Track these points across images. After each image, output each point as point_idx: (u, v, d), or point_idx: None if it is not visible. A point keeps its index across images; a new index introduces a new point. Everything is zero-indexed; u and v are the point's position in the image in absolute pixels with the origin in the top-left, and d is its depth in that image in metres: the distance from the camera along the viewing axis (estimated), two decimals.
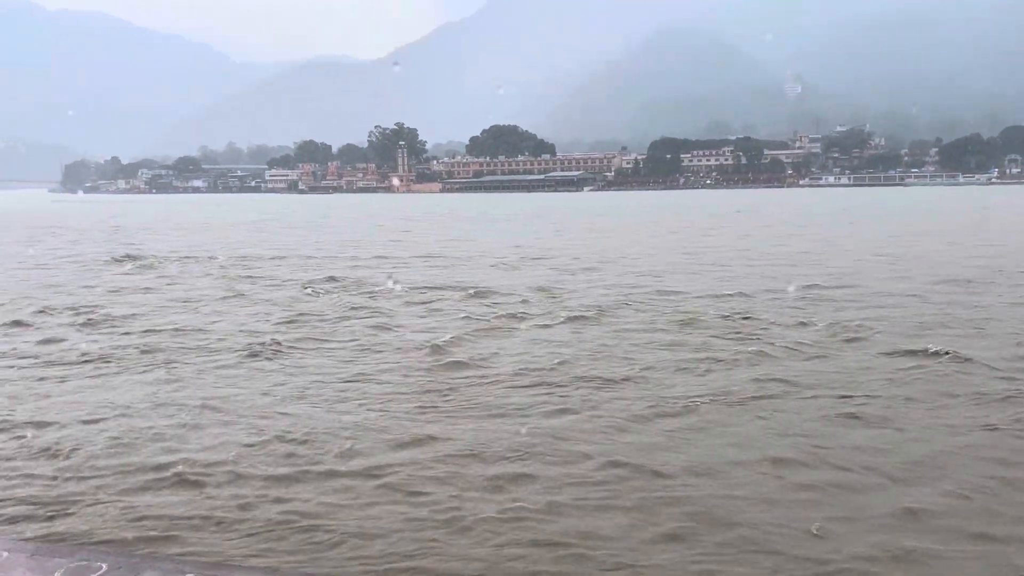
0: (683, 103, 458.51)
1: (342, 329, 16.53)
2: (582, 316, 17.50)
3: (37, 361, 13.70)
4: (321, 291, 22.34)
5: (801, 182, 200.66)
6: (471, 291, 21.42)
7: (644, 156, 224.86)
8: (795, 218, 63.81)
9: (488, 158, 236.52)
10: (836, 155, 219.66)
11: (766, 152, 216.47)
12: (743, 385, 11.61)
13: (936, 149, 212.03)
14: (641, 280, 23.94)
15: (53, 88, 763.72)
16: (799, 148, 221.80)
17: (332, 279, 24.92)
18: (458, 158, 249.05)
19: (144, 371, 12.92)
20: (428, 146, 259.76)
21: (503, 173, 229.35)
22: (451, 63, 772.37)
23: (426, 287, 22.67)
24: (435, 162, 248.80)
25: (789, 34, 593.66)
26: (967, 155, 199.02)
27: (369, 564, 6.46)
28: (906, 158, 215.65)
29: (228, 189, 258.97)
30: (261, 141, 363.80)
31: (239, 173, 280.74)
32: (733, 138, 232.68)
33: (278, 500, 7.74)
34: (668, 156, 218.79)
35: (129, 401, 11.12)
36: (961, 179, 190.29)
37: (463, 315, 17.94)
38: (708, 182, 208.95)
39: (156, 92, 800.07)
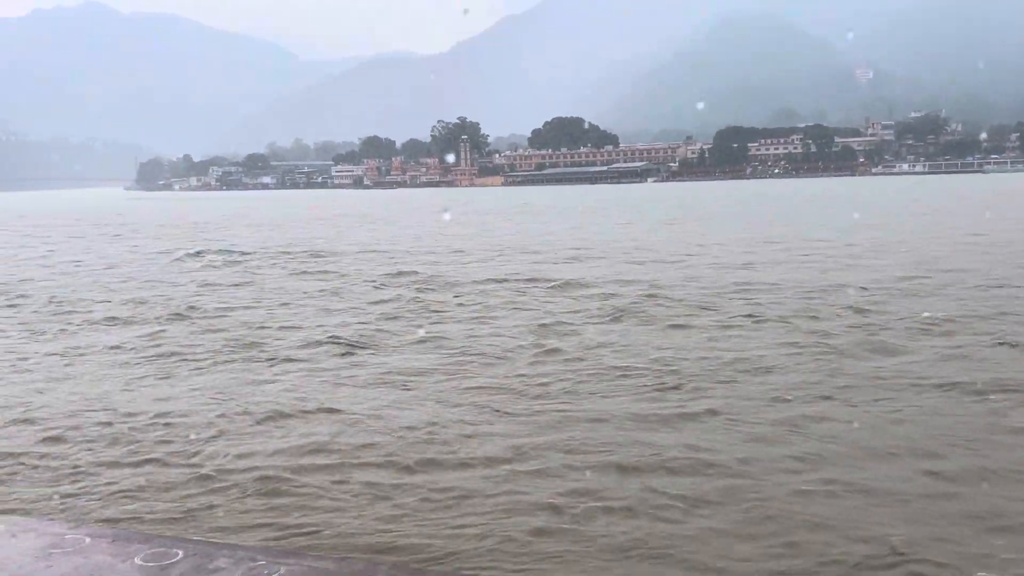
0: (750, 91, 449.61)
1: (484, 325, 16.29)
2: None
3: (135, 355, 14.11)
4: (428, 288, 22.21)
5: (874, 170, 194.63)
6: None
7: (710, 145, 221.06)
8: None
9: (550, 150, 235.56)
10: (910, 142, 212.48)
11: (837, 140, 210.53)
12: None
13: (1017, 134, 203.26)
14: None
15: (127, 88, 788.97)
16: (871, 135, 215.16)
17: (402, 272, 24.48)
18: (520, 151, 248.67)
19: (243, 365, 13.14)
20: (490, 139, 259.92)
21: (565, 165, 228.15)
22: (513, 55, 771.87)
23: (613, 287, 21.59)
24: (497, 155, 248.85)
25: (860, 18, 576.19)
26: None
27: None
28: (985, 144, 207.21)
29: (295, 185, 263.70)
30: (327, 137, 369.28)
31: (306, 169, 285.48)
32: (802, 126, 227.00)
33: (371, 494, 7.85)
34: (735, 145, 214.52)
35: (227, 395, 11.40)
36: None
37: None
38: (776, 171, 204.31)
39: (225, 90, 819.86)
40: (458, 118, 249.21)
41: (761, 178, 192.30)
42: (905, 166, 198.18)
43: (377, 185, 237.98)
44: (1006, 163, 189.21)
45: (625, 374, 11.93)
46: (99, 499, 7.90)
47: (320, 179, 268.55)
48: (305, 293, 21.53)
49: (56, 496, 7.95)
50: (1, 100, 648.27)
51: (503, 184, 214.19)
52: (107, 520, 7.25)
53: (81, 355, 14.17)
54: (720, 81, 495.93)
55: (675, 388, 11.22)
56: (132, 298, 20.99)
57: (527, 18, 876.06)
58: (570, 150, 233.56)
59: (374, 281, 23.69)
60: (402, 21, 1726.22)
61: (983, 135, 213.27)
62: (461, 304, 19.12)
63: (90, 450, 9.23)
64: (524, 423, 9.82)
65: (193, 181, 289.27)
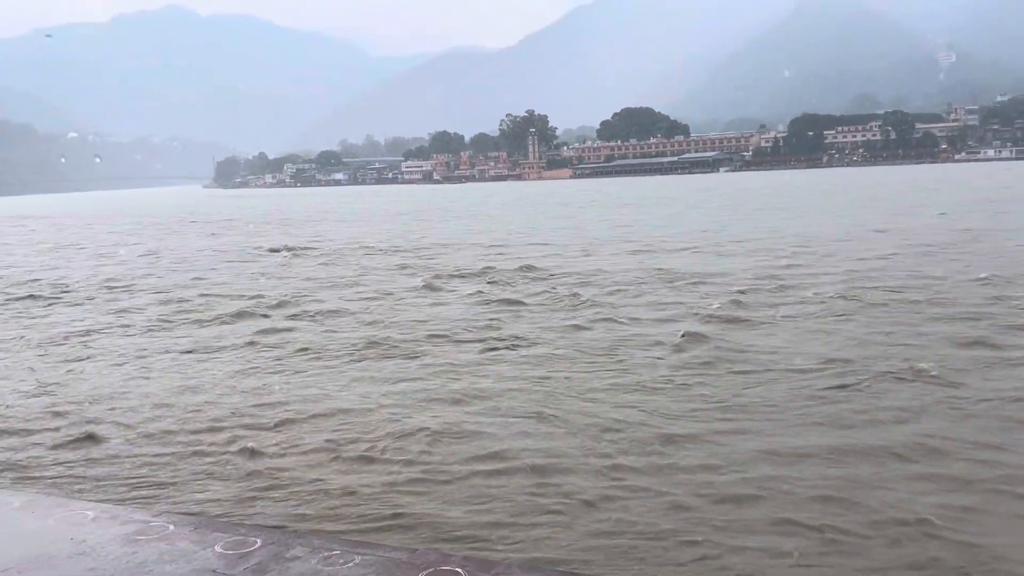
0: (827, 78, 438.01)
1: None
2: None
3: (249, 350, 14.20)
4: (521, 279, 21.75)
5: (956, 156, 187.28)
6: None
7: (784, 134, 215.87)
8: None
9: (619, 141, 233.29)
10: (996, 127, 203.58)
11: (918, 126, 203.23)
12: None
13: None
14: None
15: (205, 88, 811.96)
16: (954, 120, 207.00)
17: (529, 267, 24.13)
18: (588, 143, 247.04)
19: (376, 362, 13.12)
20: (559, 132, 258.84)
21: (634, 156, 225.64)
22: (583, 47, 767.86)
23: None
24: (565, 148, 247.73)
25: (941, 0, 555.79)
26: None
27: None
28: None
29: (366, 181, 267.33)
30: (397, 133, 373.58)
31: (376, 165, 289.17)
32: (881, 112, 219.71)
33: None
34: (811, 133, 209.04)
35: (362, 391, 11.41)
36: None
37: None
38: (855, 159, 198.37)
39: (299, 88, 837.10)
40: (526, 111, 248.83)
41: (838, 166, 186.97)
42: (991, 152, 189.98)
43: (446, 180, 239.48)
44: None
45: None
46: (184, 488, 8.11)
47: (390, 175, 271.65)
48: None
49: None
50: (88, 103, 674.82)
51: (571, 177, 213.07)
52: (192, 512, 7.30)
53: (213, 352, 14.29)
54: (794, 69, 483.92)
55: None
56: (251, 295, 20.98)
57: (595, 9, 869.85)
58: (639, 141, 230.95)
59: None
60: (471, 15, 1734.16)
61: None
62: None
63: (188, 444, 9.38)
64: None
65: (268, 178, 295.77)
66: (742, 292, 18.29)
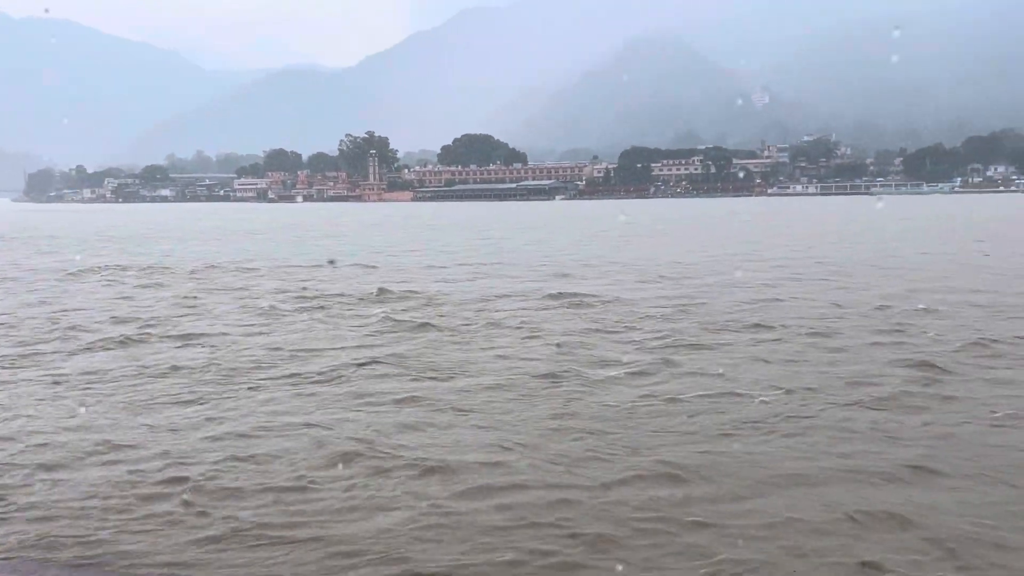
0: (654, 113, 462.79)
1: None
2: None
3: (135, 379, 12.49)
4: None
5: (769, 191, 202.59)
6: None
7: (615, 165, 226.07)
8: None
9: (460, 167, 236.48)
10: (803, 164, 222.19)
11: (735, 161, 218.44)
12: None
13: (900, 159, 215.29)
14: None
15: (17, 96, 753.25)
16: (767, 157, 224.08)
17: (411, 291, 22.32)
18: (429, 167, 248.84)
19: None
20: (399, 155, 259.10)
21: (475, 182, 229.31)
22: (422, 72, 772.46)
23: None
24: (406, 171, 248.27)
25: (758, 45, 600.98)
26: (931, 164, 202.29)
27: None
28: (871, 167, 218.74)
29: (196, 198, 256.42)
30: (230, 150, 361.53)
31: (207, 182, 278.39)
32: (703, 147, 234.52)
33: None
34: (639, 165, 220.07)
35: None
36: (925, 188, 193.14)
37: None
38: (678, 191, 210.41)
39: (124, 100, 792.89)
40: (366, 132, 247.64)
41: (664, 197, 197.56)
42: (799, 187, 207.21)
43: (282, 199, 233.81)
44: (891, 185, 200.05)
45: None
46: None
47: (222, 192, 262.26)
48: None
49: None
50: None
51: (412, 199, 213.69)
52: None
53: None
54: (626, 103, 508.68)
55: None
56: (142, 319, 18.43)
57: (436, 36, 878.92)
58: (480, 167, 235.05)
59: None
60: (310, 35, 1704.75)
61: (870, 159, 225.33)
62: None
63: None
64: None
65: (87, 193, 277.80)
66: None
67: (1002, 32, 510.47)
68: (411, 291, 22.19)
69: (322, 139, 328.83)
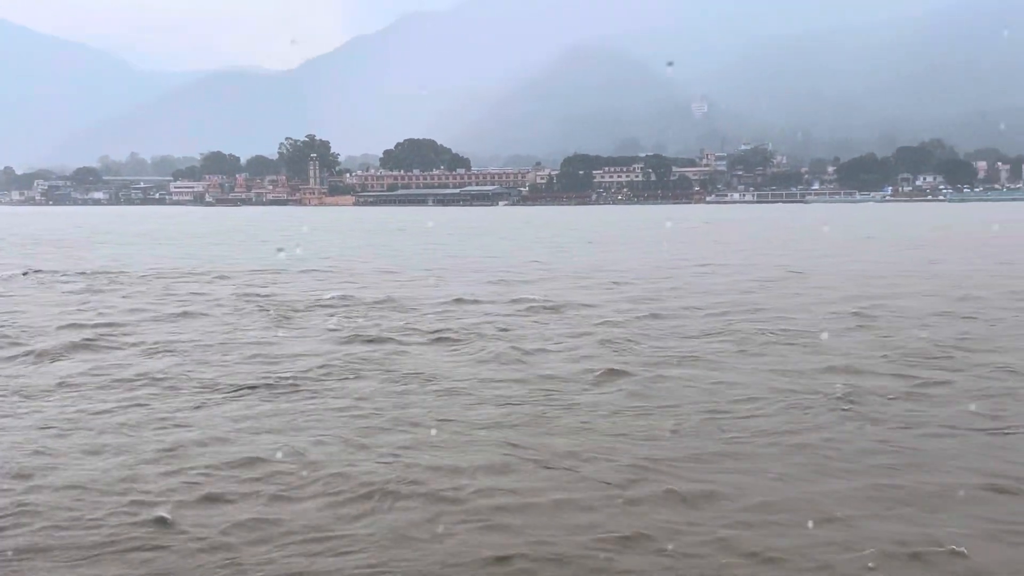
0: (596, 120, 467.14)
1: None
2: None
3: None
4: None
5: (708, 199, 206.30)
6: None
7: (558, 172, 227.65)
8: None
9: (403, 171, 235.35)
10: (740, 172, 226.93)
11: (674, 169, 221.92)
12: None
13: (834, 168, 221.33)
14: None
15: None
16: (706, 166, 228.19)
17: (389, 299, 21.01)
18: (372, 171, 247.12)
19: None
20: (341, 158, 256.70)
21: (418, 187, 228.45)
22: (364, 76, 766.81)
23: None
24: (348, 175, 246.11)
25: (697, 55, 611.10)
26: (863, 173, 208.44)
27: None
28: (806, 176, 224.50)
29: (130, 201, 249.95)
30: (166, 152, 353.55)
31: (142, 185, 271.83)
32: (643, 155, 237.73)
33: None
34: (581, 172, 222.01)
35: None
36: (858, 196, 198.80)
37: None
38: (619, 198, 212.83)
39: (54, 101, 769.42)
40: (307, 135, 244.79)
41: (606, 204, 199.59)
42: (736, 195, 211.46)
43: (220, 202, 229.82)
44: (825, 194, 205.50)
45: None
46: None
47: (158, 195, 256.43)
48: None
49: None
50: None
51: (354, 204, 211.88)
52: None
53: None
54: (568, 110, 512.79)
55: None
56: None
57: (376, 40, 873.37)
58: (423, 172, 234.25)
59: None
60: (248, 36, 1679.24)
61: (805, 168, 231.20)
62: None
63: None
64: None
65: (15, 195, 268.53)
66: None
67: (930, 46, 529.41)
68: (384, 298, 21.40)
69: (261, 142, 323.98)
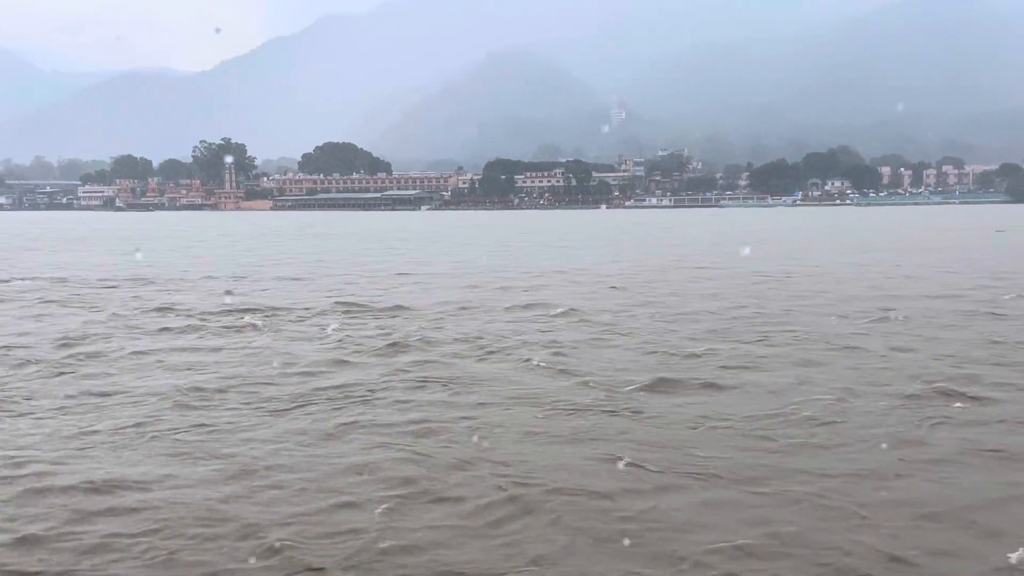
0: (517, 125, 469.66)
1: None
2: None
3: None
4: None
5: (627, 204, 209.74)
6: None
7: (480, 176, 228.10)
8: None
9: (322, 175, 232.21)
10: (658, 178, 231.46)
11: (594, 175, 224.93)
12: None
13: (747, 173, 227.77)
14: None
15: None
16: (624, 171, 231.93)
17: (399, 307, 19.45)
18: (290, 175, 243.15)
19: None
20: (258, 162, 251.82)
21: (338, 191, 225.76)
22: (282, 78, 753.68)
23: None
24: (265, 179, 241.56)
25: (617, 63, 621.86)
26: (775, 179, 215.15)
27: None
28: (721, 181, 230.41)
29: (36, 206, 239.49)
30: (73, 155, 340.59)
31: (48, 189, 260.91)
32: (564, 160, 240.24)
33: None
34: (503, 177, 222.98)
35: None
36: (770, 200, 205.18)
37: None
38: (541, 203, 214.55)
39: None
40: (222, 139, 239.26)
41: (528, 209, 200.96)
42: (653, 200, 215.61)
43: (131, 207, 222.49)
44: (739, 198, 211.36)
45: None
46: None
47: (65, 200, 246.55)
48: None
49: None
50: None
51: (272, 208, 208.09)
52: None
53: None
54: (489, 114, 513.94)
55: None
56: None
57: (295, 42, 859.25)
58: (343, 175, 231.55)
59: None
60: (162, 36, 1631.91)
61: (719, 173, 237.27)
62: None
63: None
64: None
65: None
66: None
67: (839, 57, 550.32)
68: (357, 303, 20.33)
69: (175, 146, 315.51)
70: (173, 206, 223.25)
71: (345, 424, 9.54)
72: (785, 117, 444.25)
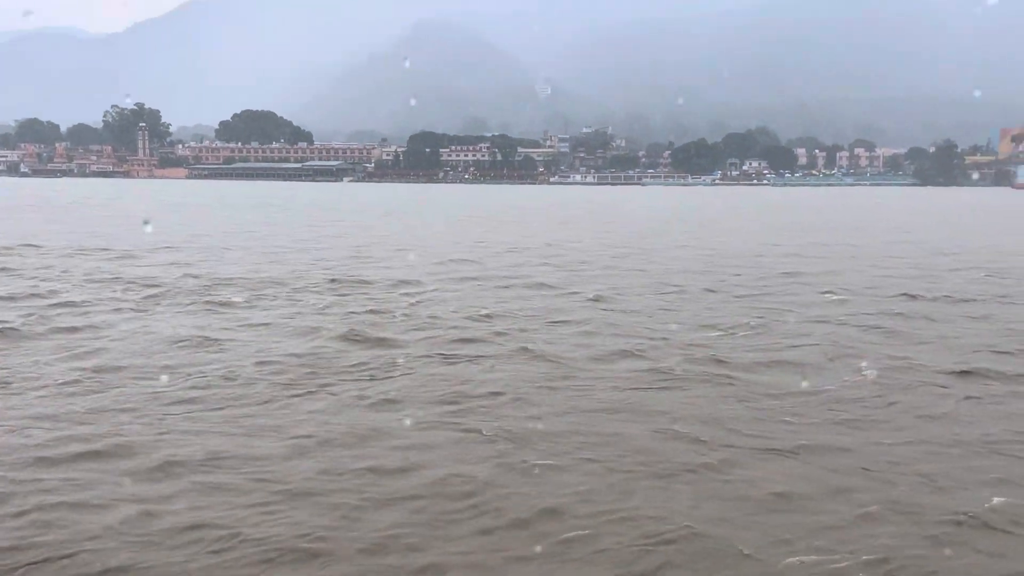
0: (443, 98, 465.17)
1: None
2: None
3: None
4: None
5: (552, 180, 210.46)
6: None
7: (404, 149, 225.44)
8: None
9: (240, 144, 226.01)
10: (582, 155, 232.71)
11: (520, 150, 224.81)
12: None
13: (669, 152, 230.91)
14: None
15: None
16: (549, 147, 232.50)
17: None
18: (206, 143, 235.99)
19: None
20: (173, 129, 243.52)
21: (256, 160, 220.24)
22: (198, 43, 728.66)
23: None
24: (180, 146, 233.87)
25: (543, 38, 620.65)
26: (695, 158, 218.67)
27: None
28: (643, 159, 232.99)
29: None
30: None
31: None
32: (489, 135, 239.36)
33: None
34: (428, 150, 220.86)
35: None
36: (690, 179, 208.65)
37: None
38: (467, 177, 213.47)
39: None
40: (135, 104, 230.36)
41: (453, 183, 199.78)
42: (578, 177, 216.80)
43: (37, 173, 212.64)
44: (660, 177, 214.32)
45: None
46: None
47: None
48: None
49: None
50: None
51: (188, 177, 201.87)
52: None
53: None
54: (413, 87, 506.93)
55: None
56: None
57: (213, 5, 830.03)
58: (261, 145, 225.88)
59: None
60: None
61: (642, 152, 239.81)
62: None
63: None
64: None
65: None
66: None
67: (759, 39, 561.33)
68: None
69: (84, 110, 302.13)
70: (83, 172, 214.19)
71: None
72: (706, 98, 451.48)
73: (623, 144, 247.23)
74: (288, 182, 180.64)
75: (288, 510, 6.38)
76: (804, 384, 10.07)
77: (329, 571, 5.60)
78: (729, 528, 6.16)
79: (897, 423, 8.68)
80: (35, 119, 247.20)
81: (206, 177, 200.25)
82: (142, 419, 8.47)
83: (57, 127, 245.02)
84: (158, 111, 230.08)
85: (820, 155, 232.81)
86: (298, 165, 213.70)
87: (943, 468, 7.42)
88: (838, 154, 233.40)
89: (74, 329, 12.85)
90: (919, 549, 5.93)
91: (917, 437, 8.25)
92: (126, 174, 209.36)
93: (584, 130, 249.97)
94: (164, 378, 9.97)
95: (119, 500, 6.50)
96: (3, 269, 20.21)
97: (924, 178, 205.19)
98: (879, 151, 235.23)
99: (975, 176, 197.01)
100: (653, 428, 8.40)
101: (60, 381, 9.83)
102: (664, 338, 12.74)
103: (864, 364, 11.03)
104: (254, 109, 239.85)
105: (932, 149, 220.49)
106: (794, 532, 6.11)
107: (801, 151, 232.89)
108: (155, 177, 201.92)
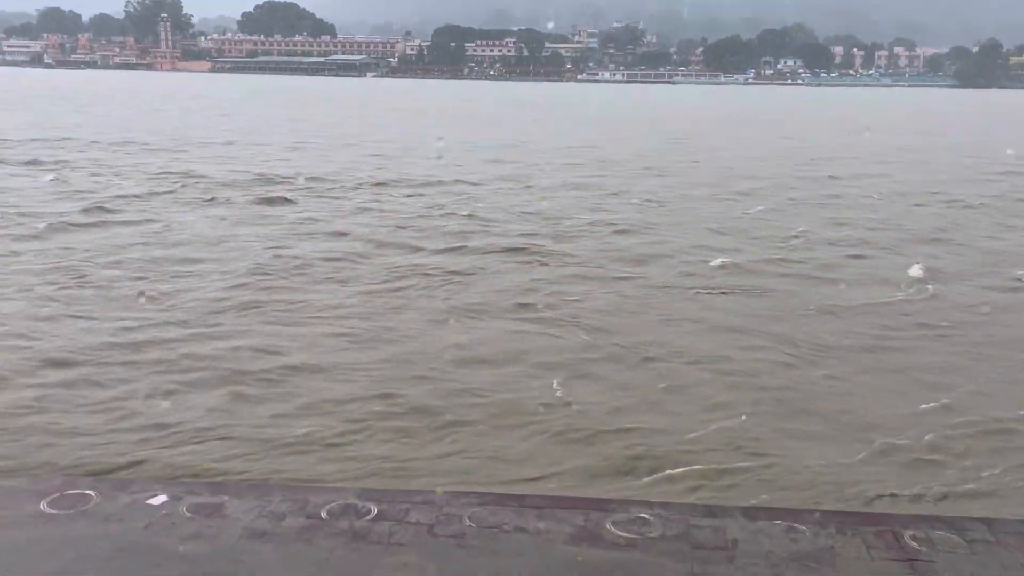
0: None
1: None
2: None
3: None
4: None
5: (579, 77, 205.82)
6: None
7: (428, 43, 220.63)
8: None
9: (263, 36, 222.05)
10: (612, 51, 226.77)
11: (548, 45, 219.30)
12: None
13: (701, 48, 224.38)
14: None
15: None
16: (578, 43, 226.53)
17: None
18: (229, 35, 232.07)
19: None
20: (195, 20, 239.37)
21: (279, 53, 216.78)
22: None
23: None
24: (203, 38, 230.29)
25: None
26: (728, 55, 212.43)
27: None
28: (675, 56, 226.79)
29: None
30: None
31: None
32: (516, 29, 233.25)
33: None
34: (452, 45, 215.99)
35: None
36: (723, 78, 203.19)
37: None
38: (492, 73, 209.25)
39: None
40: None
41: (478, 79, 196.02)
42: (607, 74, 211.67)
43: (60, 65, 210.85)
44: (692, 75, 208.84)
45: None
46: None
47: None
48: None
49: None
50: None
51: (210, 70, 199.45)
52: None
53: None
54: None
55: None
56: None
57: None
58: (284, 37, 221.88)
59: None
60: None
61: (673, 48, 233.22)
62: None
63: None
64: None
65: None
66: None
67: None
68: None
69: None
70: (106, 65, 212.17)
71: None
72: None
73: (654, 40, 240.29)
74: (311, 77, 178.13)
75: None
76: None
77: None
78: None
79: None
80: (57, 8, 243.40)
81: (229, 71, 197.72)
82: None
83: (79, 16, 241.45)
84: (179, 1, 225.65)
85: (858, 54, 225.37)
86: (321, 59, 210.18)
87: None
88: (876, 53, 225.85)
89: None
90: None
91: None
92: (149, 67, 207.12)
93: (614, 24, 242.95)
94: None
95: None
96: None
97: (965, 79, 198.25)
98: (919, 50, 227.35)
99: None
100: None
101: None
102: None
103: None
104: (276, 0, 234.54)
105: (975, 49, 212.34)
106: None
107: (838, 49, 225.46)
108: (178, 70, 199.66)
